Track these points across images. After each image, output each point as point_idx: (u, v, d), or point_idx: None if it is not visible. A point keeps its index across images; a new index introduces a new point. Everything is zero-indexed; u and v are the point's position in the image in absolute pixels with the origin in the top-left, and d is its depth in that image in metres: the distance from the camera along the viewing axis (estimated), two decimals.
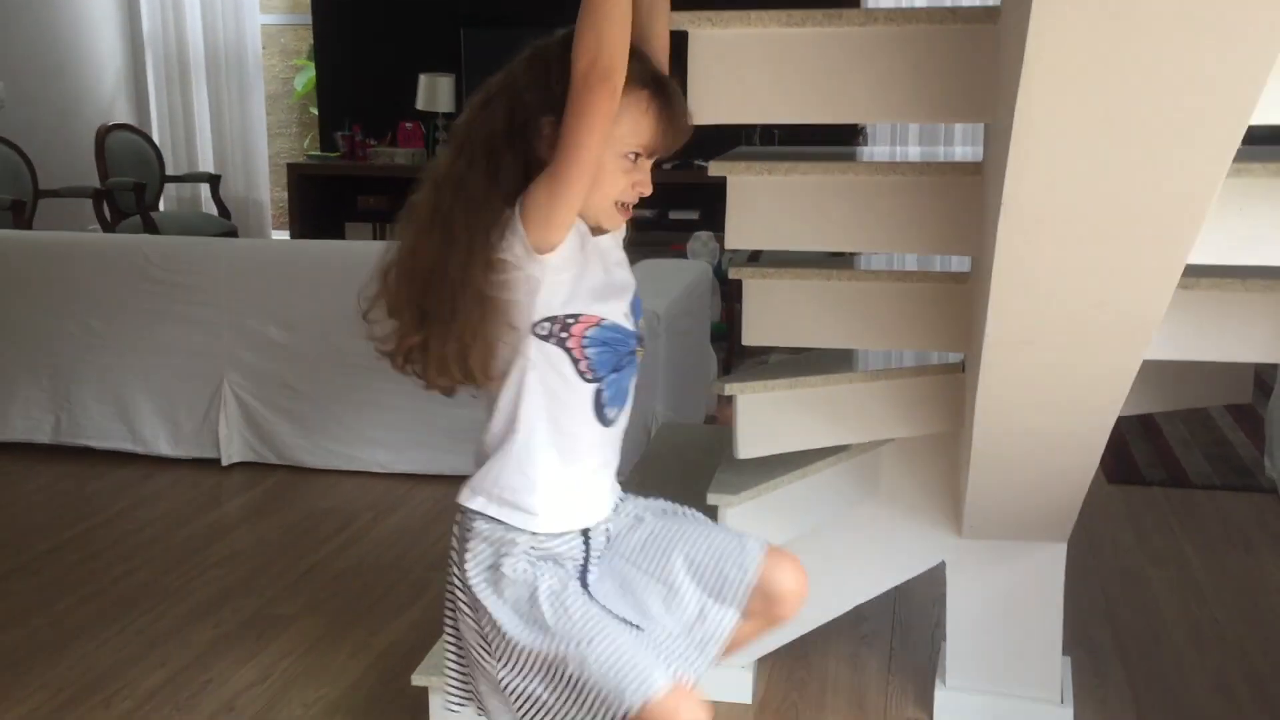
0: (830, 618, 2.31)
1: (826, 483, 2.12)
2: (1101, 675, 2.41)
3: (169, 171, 6.45)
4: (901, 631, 2.62)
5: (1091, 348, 1.46)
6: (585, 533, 1.54)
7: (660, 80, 1.41)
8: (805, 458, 2.07)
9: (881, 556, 2.25)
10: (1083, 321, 1.41)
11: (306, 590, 2.81)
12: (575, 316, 1.43)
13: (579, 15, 1.33)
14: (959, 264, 1.92)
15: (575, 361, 1.45)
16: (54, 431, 3.77)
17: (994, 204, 1.29)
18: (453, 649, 1.60)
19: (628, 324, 1.49)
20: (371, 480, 3.55)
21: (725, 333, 4.77)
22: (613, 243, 1.51)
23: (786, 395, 1.92)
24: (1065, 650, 2.36)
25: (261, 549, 3.06)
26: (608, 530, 1.58)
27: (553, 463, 1.50)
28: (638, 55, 1.39)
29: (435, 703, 2.07)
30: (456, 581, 1.53)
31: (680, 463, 2.70)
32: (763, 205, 1.67)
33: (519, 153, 1.41)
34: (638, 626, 1.49)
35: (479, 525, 1.52)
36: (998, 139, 1.28)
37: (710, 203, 5.39)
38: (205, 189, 6.69)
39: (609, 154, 1.40)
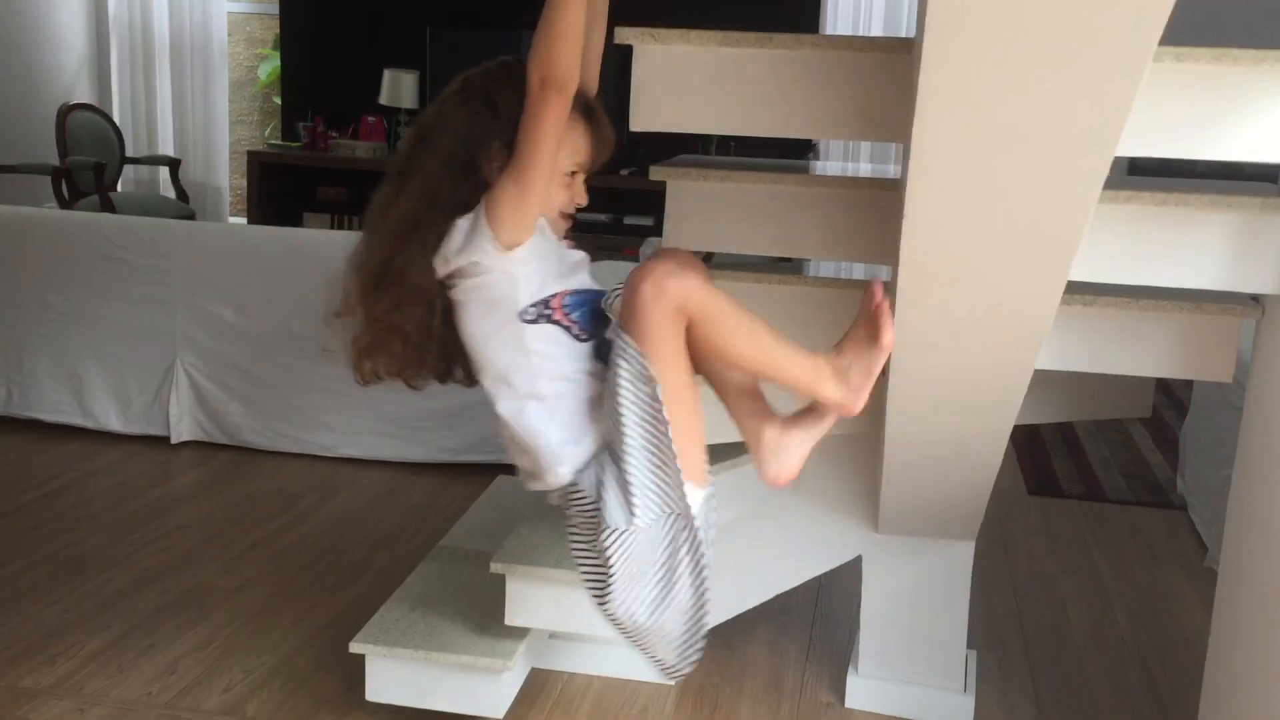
0: (753, 604, 2.43)
1: (750, 475, 2.24)
2: (1005, 669, 2.56)
3: (129, 153, 6.47)
4: (822, 622, 2.75)
5: (988, 354, 1.60)
6: None
7: (591, 107, 1.59)
8: (734, 450, 2.19)
9: (803, 548, 2.38)
10: (979, 329, 1.55)
11: (250, 565, 2.90)
12: (551, 296, 1.58)
13: (536, 33, 1.47)
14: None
15: (567, 329, 1.59)
16: (4, 403, 3.82)
17: (901, 216, 1.42)
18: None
19: (593, 285, 1.64)
20: (318, 463, 3.63)
21: None
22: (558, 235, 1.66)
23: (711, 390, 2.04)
24: (972, 645, 2.51)
25: (207, 524, 3.14)
26: None
27: (581, 407, 1.59)
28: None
29: (372, 668, 2.17)
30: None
31: None
32: (699, 209, 1.80)
33: (473, 179, 1.58)
34: None
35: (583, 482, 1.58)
36: (908, 157, 1.42)
37: (663, 209, 5.52)
38: (163, 172, 6.72)
39: (554, 174, 1.57)
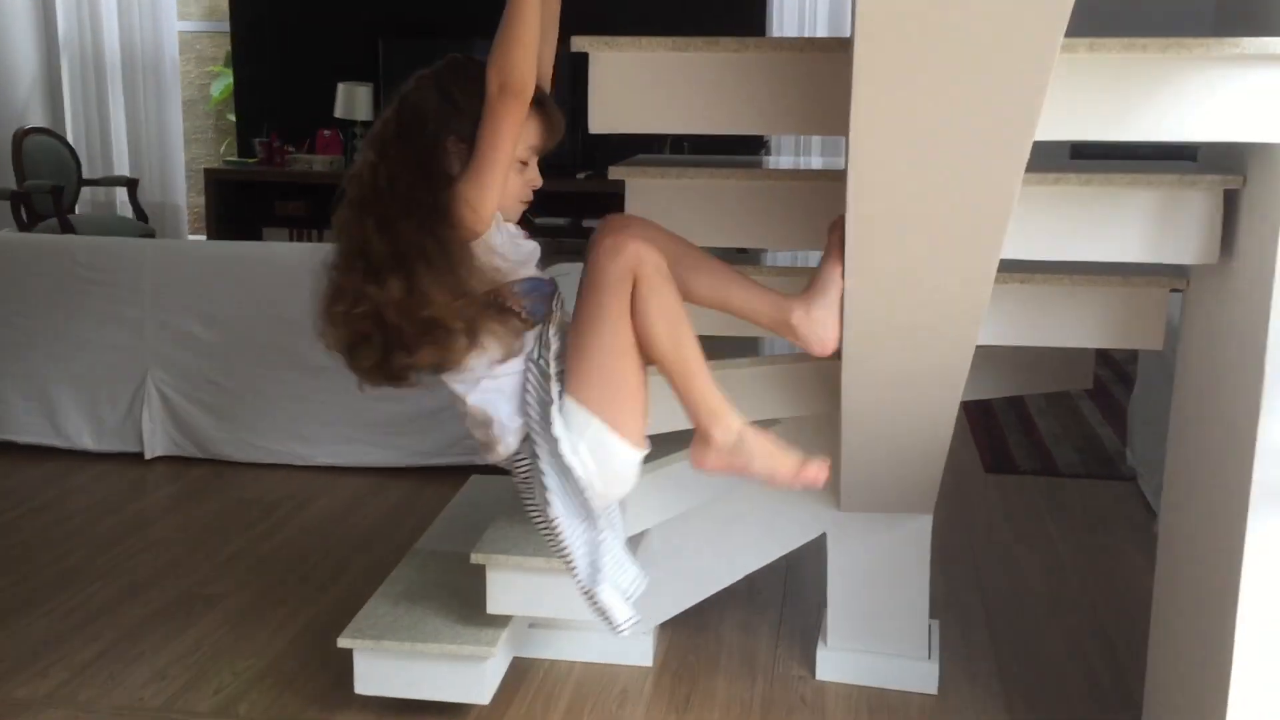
0: (724, 585, 2.53)
1: None
2: (968, 637, 2.67)
3: (85, 175, 6.48)
4: (791, 601, 2.85)
5: (933, 333, 1.71)
6: None
7: (541, 99, 1.71)
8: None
9: (769, 528, 2.48)
10: (922, 309, 1.65)
11: (232, 572, 2.96)
12: (504, 285, 1.72)
13: (494, 41, 1.57)
14: None
15: (517, 315, 1.74)
16: None
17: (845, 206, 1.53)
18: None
19: (542, 275, 1.79)
20: (293, 472, 3.69)
21: None
22: (515, 227, 1.79)
23: None
24: (936, 615, 2.62)
25: (186, 535, 3.19)
26: None
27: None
28: None
29: (360, 663, 2.24)
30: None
31: None
32: (658, 207, 1.89)
33: (437, 175, 1.68)
34: None
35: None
36: (848, 151, 1.52)
37: (621, 211, 5.62)
38: (119, 193, 6.73)
39: (511, 165, 1.69)
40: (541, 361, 1.73)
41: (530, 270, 1.77)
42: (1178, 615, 2.05)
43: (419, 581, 2.44)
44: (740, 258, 2.26)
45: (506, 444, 1.78)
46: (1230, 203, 1.76)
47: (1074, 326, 1.96)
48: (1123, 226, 1.76)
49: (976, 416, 4.36)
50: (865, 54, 1.18)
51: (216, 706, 2.33)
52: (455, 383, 1.77)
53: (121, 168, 7.01)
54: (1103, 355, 5.01)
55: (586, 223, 6.22)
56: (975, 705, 2.39)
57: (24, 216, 5.70)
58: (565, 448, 1.70)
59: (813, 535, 2.49)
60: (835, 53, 1.69)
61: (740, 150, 5.66)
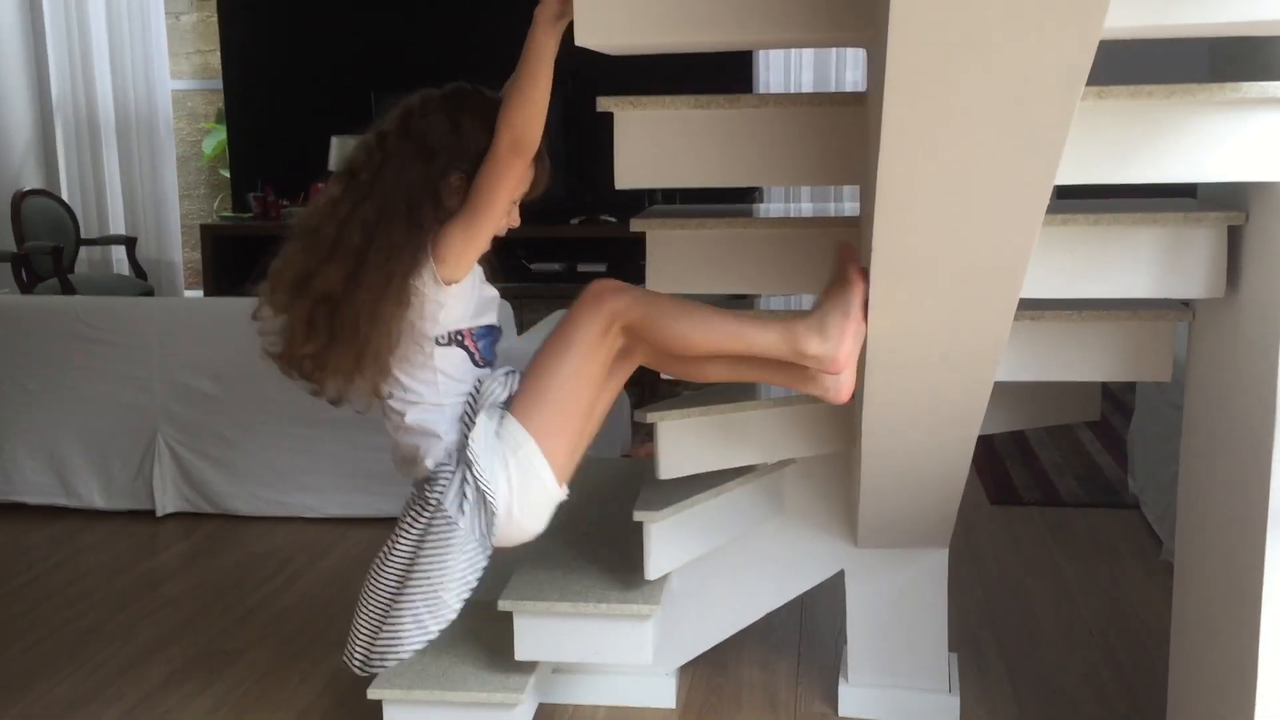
0: (744, 624, 2.56)
1: (737, 500, 2.38)
2: (984, 669, 2.70)
3: (81, 235, 6.51)
4: (808, 638, 2.88)
5: (952, 371, 1.75)
6: None
7: (539, 152, 1.80)
8: (718, 478, 2.32)
9: (788, 566, 2.51)
10: (943, 348, 1.70)
11: (251, 627, 2.97)
12: (465, 328, 1.86)
13: (507, 98, 1.65)
14: None
15: (471, 355, 1.89)
16: None
17: (867, 252, 1.58)
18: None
19: (497, 322, 1.94)
20: (305, 525, 3.71)
21: (635, 375, 5.01)
22: (480, 269, 1.91)
23: (701, 421, 2.19)
24: (952, 647, 2.65)
25: (202, 591, 3.20)
26: None
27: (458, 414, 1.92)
28: None
29: (391, 714, 2.26)
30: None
31: (603, 489, 2.94)
32: (676, 255, 1.94)
33: (435, 203, 1.77)
34: None
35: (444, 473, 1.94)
36: (868, 198, 1.57)
37: (617, 256, 5.67)
38: (115, 251, 6.76)
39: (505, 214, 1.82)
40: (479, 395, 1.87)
41: (488, 318, 1.90)
42: (1198, 647, 2.08)
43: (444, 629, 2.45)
44: (738, 303, 2.31)
45: (435, 456, 1.92)
46: (1234, 238, 1.82)
47: (1084, 361, 2.01)
48: (1132, 263, 1.81)
49: (979, 451, 4.37)
50: (893, 109, 1.24)
51: None
52: (396, 401, 1.89)
53: (117, 226, 7.04)
54: (1100, 385, 5.06)
55: (581, 267, 6.26)
56: None
57: (25, 278, 5.73)
58: (486, 467, 1.83)
59: (831, 572, 2.53)
60: (849, 106, 1.75)
61: (731, 198, 5.73)
